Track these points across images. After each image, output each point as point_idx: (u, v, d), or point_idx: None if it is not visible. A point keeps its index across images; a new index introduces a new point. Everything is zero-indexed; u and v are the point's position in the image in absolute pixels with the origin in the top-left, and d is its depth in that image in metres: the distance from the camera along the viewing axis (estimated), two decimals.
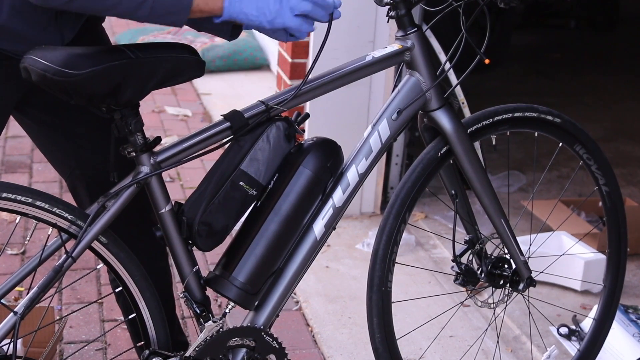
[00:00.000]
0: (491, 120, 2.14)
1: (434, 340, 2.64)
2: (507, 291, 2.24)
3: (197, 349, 1.90)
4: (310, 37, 3.46)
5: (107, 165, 1.87)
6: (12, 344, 1.76)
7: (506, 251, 2.20)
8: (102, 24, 2.04)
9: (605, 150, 2.38)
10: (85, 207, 1.92)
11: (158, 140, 1.84)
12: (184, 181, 3.92)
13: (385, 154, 3.27)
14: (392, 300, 2.08)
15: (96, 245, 1.82)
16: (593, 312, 2.58)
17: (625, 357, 2.65)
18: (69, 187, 2.11)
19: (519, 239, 2.20)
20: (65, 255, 1.75)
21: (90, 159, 2.02)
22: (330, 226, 1.96)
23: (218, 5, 1.74)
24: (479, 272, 2.19)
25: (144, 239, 2.03)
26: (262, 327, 1.93)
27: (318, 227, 1.94)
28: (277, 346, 1.96)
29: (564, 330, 2.82)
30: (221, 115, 1.89)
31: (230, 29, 1.91)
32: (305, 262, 1.95)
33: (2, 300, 1.79)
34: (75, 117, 1.97)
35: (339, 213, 1.96)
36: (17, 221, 1.93)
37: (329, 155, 1.94)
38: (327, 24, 1.84)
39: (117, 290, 1.93)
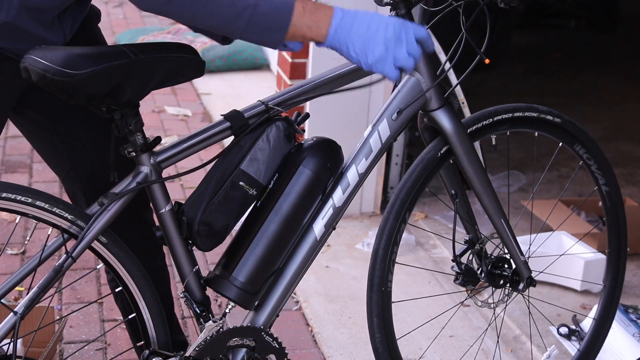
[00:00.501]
0: (491, 120, 2.14)
1: (434, 340, 2.64)
2: (507, 291, 2.24)
3: (197, 348, 1.90)
4: None
5: (102, 166, 1.87)
6: (12, 343, 1.76)
7: (506, 251, 2.20)
8: (99, 24, 2.04)
9: (605, 150, 2.38)
10: (82, 207, 1.91)
11: (158, 140, 1.84)
12: (184, 181, 3.92)
13: (385, 154, 3.27)
14: (392, 300, 2.08)
15: (96, 245, 1.82)
16: (593, 312, 2.58)
17: (625, 357, 2.65)
18: (65, 187, 2.11)
19: (519, 238, 2.20)
20: (65, 255, 1.75)
21: (85, 160, 2.02)
22: (330, 226, 1.96)
23: (322, 33, 1.71)
24: (479, 272, 2.19)
25: (140, 238, 2.03)
26: (262, 327, 1.93)
27: (318, 227, 1.94)
28: (277, 346, 1.96)
29: (564, 330, 2.82)
30: (221, 115, 1.89)
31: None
32: (305, 262, 1.95)
33: (2, 300, 1.79)
34: (71, 118, 1.97)
35: (339, 213, 1.96)
36: (17, 221, 1.93)
37: (329, 155, 1.93)
38: None
39: (116, 290, 1.93)
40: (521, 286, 2.21)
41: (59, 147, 2.02)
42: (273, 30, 1.69)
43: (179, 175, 1.88)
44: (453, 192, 2.14)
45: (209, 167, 1.90)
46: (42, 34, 1.77)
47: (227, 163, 1.86)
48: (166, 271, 2.23)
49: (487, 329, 2.67)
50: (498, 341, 2.65)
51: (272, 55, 5.52)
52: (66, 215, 1.77)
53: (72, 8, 1.84)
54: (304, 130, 1.88)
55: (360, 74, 1.96)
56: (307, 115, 1.95)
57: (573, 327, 2.83)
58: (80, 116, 1.93)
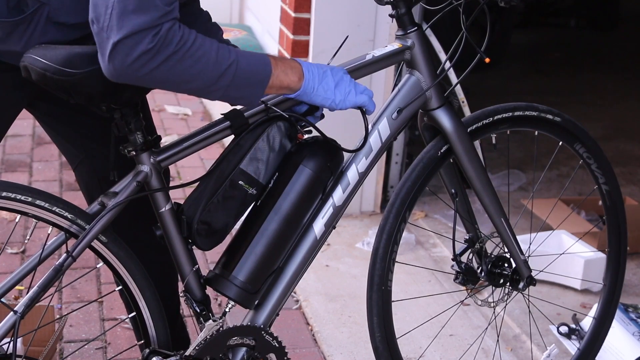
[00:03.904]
0: (491, 119, 2.14)
1: (434, 339, 2.64)
2: (507, 290, 2.24)
3: (197, 348, 1.90)
4: (310, 36, 3.46)
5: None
6: (12, 342, 1.76)
7: (506, 250, 2.20)
8: None
9: (605, 149, 2.38)
10: (93, 201, 1.91)
11: (158, 139, 1.84)
12: (184, 180, 3.92)
13: (385, 153, 3.27)
14: (392, 299, 2.08)
15: (96, 244, 1.82)
16: (593, 311, 2.59)
17: (625, 356, 2.65)
18: (77, 178, 2.11)
19: (519, 237, 2.20)
20: (65, 254, 1.75)
21: (100, 152, 2.01)
22: (330, 225, 1.96)
23: (296, 79, 1.77)
24: (479, 271, 2.20)
25: (148, 232, 2.03)
26: (262, 326, 1.93)
27: (318, 226, 1.94)
28: (277, 345, 1.96)
29: (564, 329, 2.82)
30: (221, 114, 1.89)
31: None
32: (305, 261, 1.95)
33: (2, 299, 1.79)
34: (86, 110, 1.97)
35: (339, 212, 1.96)
36: (17, 220, 1.93)
37: (329, 155, 1.93)
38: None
39: (116, 289, 1.93)
40: (521, 285, 2.21)
41: (73, 136, 2.03)
42: (255, 84, 1.72)
43: (182, 185, 1.88)
44: (453, 191, 2.14)
45: (208, 166, 1.90)
46: None
47: (227, 162, 1.86)
48: (174, 267, 2.23)
49: (487, 328, 2.67)
50: (498, 340, 2.65)
51: (272, 54, 5.52)
52: (66, 214, 1.77)
53: (79, 40, 1.85)
54: (309, 132, 1.88)
55: (362, 72, 1.95)
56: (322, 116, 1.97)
57: (573, 326, 2.83)
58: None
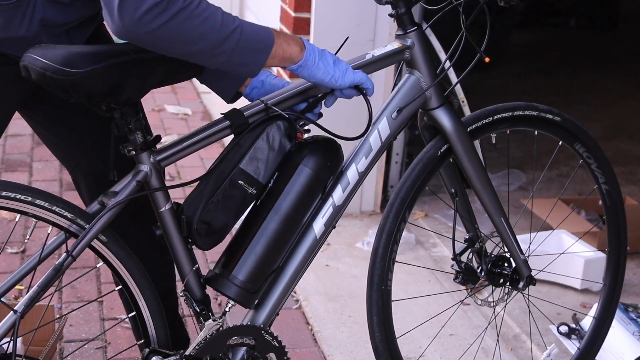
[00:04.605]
0: (491, 118, 2.14)
1: (434, 338, 2.64)
2: (507, 290, 2.24)
3: (197, 347, 1.90)
4: (310, 35, 3.46)
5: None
6: (12, 342, 1.76)
7: (506, 250, 2.20)
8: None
9: (605, 148, 2.38)
10: (91, 201, 1.91)
11: (158, 138, 1.84)
12: (184, 180, 3.91)
13: (385, 153, 3.27)
14: (392, 298, 2.08)
15: (96, 243, 1.82)
16: (593, 311, 2.59)
17: (625, 356, 2.65)
18: (74, 180, 2.11)
19: (519, 237, 2.20)
20: (65, 253, 1.75)
21: (97, 153, 2.01)
22: (330, 225, 1.96)
23: (298, 50, 1.79)
24: (479, 270, 2.20)
25: (148, 232, 2.03)
26: (262, 326, 1.93)
27: (318, 225, 1.94)
28: (277, 345, 1.96)
29: (563, 328, 2.82)
30: (221, 113, 1.89)
31: (234, 94, 1.97)
32: (305, 261, 1.95)
33: (2, 299, 1.79)
34: (82, 111, 1.97)
35: (338, 212, 1.96)
36: (17, 220, 1.93)
37: (329, 154, 1.94)
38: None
39: (116, 288, 1.93)
40: (521, 285, 2.21)
41: (68, 137, 2.03)
42: (258, 51, 1.73)
43: (182, 184, 1.89)
44: (453, 190, 2.14)
45: (208, 166, 1.90)
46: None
47: (226, 162, 1.86)
48: (172, 267, 2.23)
49: (487, 328, 2.67)
50: (498, 340, 2.65)
51: None
52: (66, 213, 1.77)
53: (82, 24, 1.85)
54: (308, 130, 1.88)
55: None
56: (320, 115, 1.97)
57: (573, 325, 2.83)
58: (90, 109, 1.93)
